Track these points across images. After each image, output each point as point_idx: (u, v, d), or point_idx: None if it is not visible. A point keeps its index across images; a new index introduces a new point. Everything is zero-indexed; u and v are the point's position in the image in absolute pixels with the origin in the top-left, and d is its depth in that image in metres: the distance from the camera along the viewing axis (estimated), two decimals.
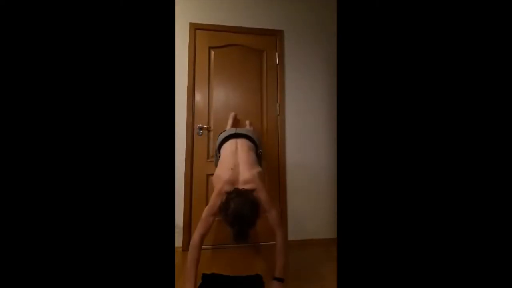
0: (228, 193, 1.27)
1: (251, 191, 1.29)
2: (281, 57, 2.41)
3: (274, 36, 2.42)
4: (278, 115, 2.34)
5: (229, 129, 1.65)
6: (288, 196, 2.26)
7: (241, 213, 1.17)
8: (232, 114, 2.19)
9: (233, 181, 1.33)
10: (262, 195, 1.32)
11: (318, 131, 2.39)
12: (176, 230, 2.05)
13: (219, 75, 2.28)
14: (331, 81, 2.47)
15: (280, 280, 1.27)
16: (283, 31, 2.44)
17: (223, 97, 2.28)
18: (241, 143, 1.49)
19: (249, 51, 2.36)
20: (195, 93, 2.24)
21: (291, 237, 2.22)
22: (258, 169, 1.41)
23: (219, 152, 1.59)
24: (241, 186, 1.31)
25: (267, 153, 2.29)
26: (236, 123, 2.23)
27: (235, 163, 1.39)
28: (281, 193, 2.25)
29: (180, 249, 2.01)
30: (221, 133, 1.68)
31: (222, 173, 1.37)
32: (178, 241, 2.03)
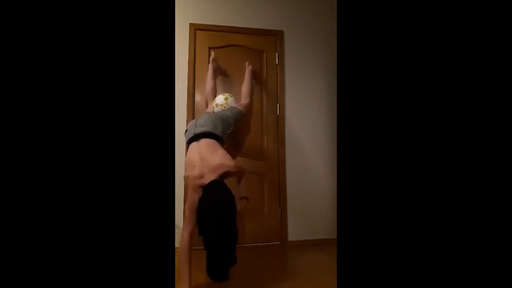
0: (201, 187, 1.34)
1: (221, 181, 1.36)
2: (281, 57, 2.41)
3: (274, 37, 2.42)
4: (278, 115, 2.34)
5: (190, 127, 1.63)
6: (288, 196, 2.26)
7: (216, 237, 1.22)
8: (212, 58, 2.15)
9: (202, 174, 1.37)
10: (234, 172, 1.43)
11: (318, 131, 2.39)
12: (176, 230, 2.05)
13: (219, 75, 2.28)
14: (331, 81, 2.47)
15: (246, 198, 1.56)
16: (283, 31, 2.44)
17: None
18: (200, 145, 1.51)
19: (249, 51, 2.36)
20: (195, 94, 2.24)
21: (291, 237, 2.22)
22: (221, 151, 1.46)
23: (186, 148, 1.63)
24: (211, 175, 1.35)
25: (267, 153, 2.29)
26: (221, 70, 2.24)
27: (196, 160, 1.43)
28: (281, 193, 2.25)
29: None
30: (186, 129, 1.68)
31: (189, 173, 1.42)
32: (178, 242, 2.03)
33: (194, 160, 1.43)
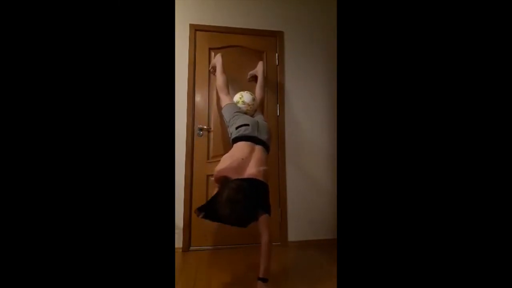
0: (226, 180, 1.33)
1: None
2: (281, 58, 2.41)
3: (274, 37, 2.43)
4: (278, 115, 2.35)
5: (252, 125, 1.58)
6: (288, 196, 2.26)
7: (235, 198, 1.23)
8: (220, 54, 2.09)
9: (238, 170, 1.38)
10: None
11: (318, 131, 2.39)
12: (176, 231, 2.05)
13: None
14: (331, 81, 2.47)
15: (264, 280, 1.32)
16: (283, 32, 2.44)
17: None
18: (258, 150, 1.51)
19: (249, 52, 2.36)
20: (195, 94, 2.24)
21: (291, 237, 2.22)
22: (265, 167, 1.46)
23: (232, 142, 1.59)
24: (241, 176, 1.36)
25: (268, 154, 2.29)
26: (213, 68, 2.20)
27: (247, 156, 1.43)
28: (281, 194, 2.25)
29: (180, 250, 2.01)
30: (233, 113, 1.67)
31: (233, 157, 1.42)
32: (178, 242, 2.03)
33: (244, 154, 1.43)
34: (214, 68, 2.10)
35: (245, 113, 1.77)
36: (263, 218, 1.36)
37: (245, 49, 2.36)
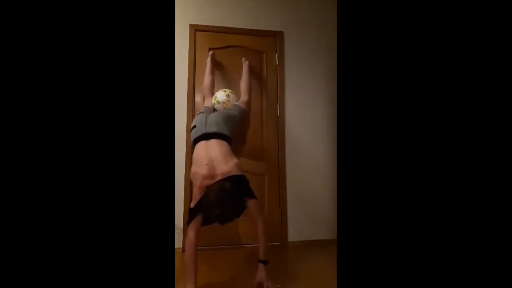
0: (208, 186, 1.33)
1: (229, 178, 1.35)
2: (281, 58, 2.41)
3: (274, 37, 2.43)
4: (278, 115, 2.35)
5: (199, 125, 1.58)
6: (288, 196, 2.26)
7: (221, 197, 1.23)
8: (210, 53, 2.14)
9: (211, 175, 1.36)
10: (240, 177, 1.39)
11: (318, 131, 2.39)
12: (176, 231, 2.05)
13: (219, 76, 2.28)
14: (331, 81, 2.47)
15: (265, 262, 1.36)
16: (283, 32, 2.44)
17: None
18: (213, 144, 1.49)
19: (249, 52, 2.36)
20: (195, 94, 2.24)
21: (291, 238, 2.22)
22: (235, 160, 1.44)
23: (193, 146, 1.59)
24: (221, 178, 1.35)
25: (267, 153, 2.29)
26: (217, 63, 2.23)
27: (209, 159, 1.41)
28: (281, 194, 2.25)
29: (180, 250, 2.01)
30: (195, 117, 1.68)
31: (199, 169, 1.40)
32: (178, 242, 2.03)
33: (205, 158, 1.42)
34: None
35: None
36: (251, 204, 1.38)
37: (245, 49, 2.36)
